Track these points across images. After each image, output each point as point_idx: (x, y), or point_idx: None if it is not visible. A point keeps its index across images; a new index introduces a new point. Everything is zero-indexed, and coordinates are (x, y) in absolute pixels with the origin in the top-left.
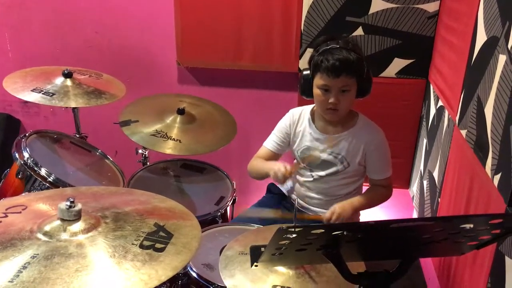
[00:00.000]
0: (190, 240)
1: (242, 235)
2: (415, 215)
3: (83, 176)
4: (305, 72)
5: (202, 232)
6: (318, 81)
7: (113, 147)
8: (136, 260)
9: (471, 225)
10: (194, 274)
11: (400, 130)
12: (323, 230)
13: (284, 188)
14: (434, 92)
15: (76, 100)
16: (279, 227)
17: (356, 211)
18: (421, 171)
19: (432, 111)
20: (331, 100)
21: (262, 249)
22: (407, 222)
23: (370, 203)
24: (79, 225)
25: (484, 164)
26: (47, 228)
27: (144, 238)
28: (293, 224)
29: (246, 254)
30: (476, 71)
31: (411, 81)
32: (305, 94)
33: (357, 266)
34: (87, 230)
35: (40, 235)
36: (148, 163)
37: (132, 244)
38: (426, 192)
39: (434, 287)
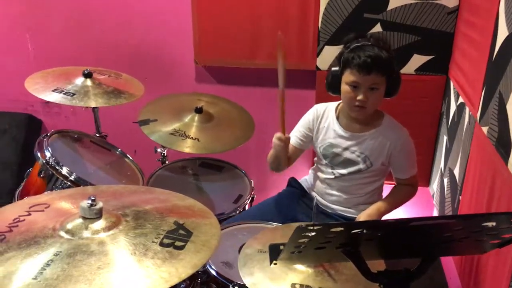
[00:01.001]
0: (209, 238)
1: (260, 233)
2: (435, 213)
3: (103, 175)
4: (333, 68)
5: (221, 230)
6: (347, 77)
7: (132, 146)
8: (157, 258)
9: (494, 223)
10: (213, 272)
11: (420, 127)
12: (342, 228)
13: (302, 182)
14: (454, 88)
15: (96, 100)
16: (298, 225)
17: (382, 216)
18: (441, 169)
19: (453, 107)
20: (359, 97)
21: (281, 247)
22: (427, 221)
23: (395, 206)
24: (100, 223)
25: (506, 162)
26: (69, 226)
27: (164, 236)
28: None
29: (265, 252)
30: (498, 66)
31: (431, 78)
32: (332, 90)
33: (377, 265)
34: (108, 228)
35: (62, 233)
36: (167, 162)
37: (153, 242)
38: (446, 190)
39: (456, 286)
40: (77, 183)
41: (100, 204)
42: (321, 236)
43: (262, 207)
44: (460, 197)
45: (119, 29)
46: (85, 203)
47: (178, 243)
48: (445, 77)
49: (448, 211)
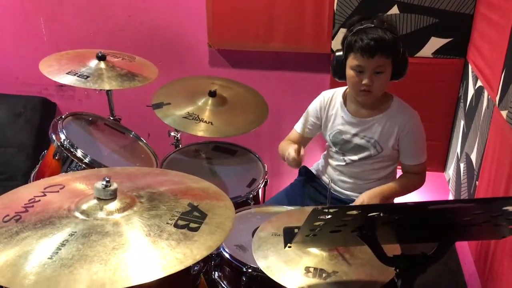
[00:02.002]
0: (224, 220)
1: (275, 216)
2: (451, 198)
3: (117, 158)
4: (337, 53)
5: (235, 213)
6: (351, 61)
7: (146, 129)
8: (171, 239)
9: None
10: (227, 255)
11: (436, 111)
12: (359, 211)
13: (314, 168)
14: (472, 72)
15: (110, 83)
16: (314, 208)
17: (386, 199)
18: (457, 154)
19: (471, 91)
20: (364, 81)
21: (296, 230)
22: (446, 204)
23: (401, 191)
24: (115, 204)
25: None
26: (84, 207)
27: (179, 217)
28: (328, 205)
29: (279, 235)
30: None
31: (449, 61)
32: (338, 76)
33: (392, 249)
34: (122, 209)
35: (77, 214)
36: (180, 146)
37: (167, 223)
38: (463, 175)
39: (470, 272)
40: (92, 165)
41: (114, 185)
42: (337, 219)
43: (274, 200)
44: (477, 182)
45: (133, 13)
46: (100, 184)
47: (192, 225)
48: (463, 60)
49: (464, 197)
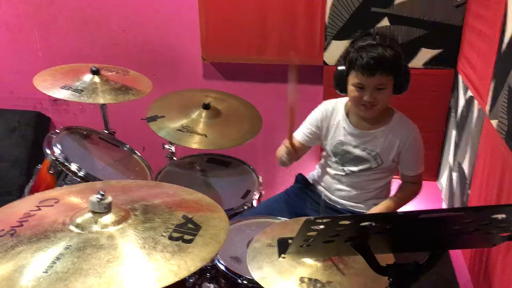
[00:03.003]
0: (218, 231)
1: (269, 227)
2: (444, 207)
3: (112, 171)
4: (339, 68)
5: (230, 225)
6: (352, 79)
7: (140, 142)
8: (166, 251)
9: (503, 215)
10: (222, 267)
11: (428, 121)
12: (351, 221)
13: (309, 178)
14: (463, 82)
15: (104, 97)
16: (307, 218)
17: None
18: (450, 163)
19: (461, 101)
20: (365, 98)
21: (290, 241)
22: (437, 213)
23: (402, 203)
24: (109, 217)
25: None
26: (79, 220)
27: (173, 230)
28: (321, 216)
29: (274, 246)
30: (507, 59)
31: (439, 72)
32: (339, 89)
33: (386, 258)
34: (117, 222)
35: (72, 227)
36: (175, 158)
37: (161, 235)
38: (455, 185)
39: (465, 280)
40: (86, 179)
41: (109, 199)
42: (330, 229)
43: (270, 204)
44: (469, 191)
45: (127, 27)
46: (95, 197)
47: (187, 237)
48: (454, 71)
49: (457, 206)
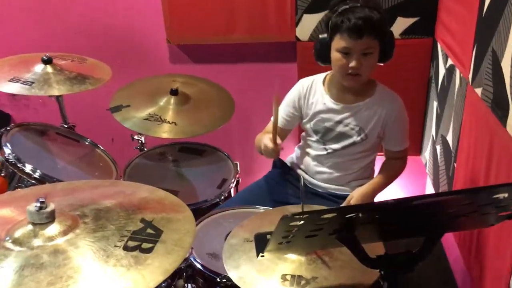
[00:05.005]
0: (182, 236)
1: (247, 220)
2: (429, 182)
3: (73, 169)
4: (321, 36)
5: (205, 218)
6: (337, 43)
7: (108, 135)
8: (120, 265)
9: (505, 195)
10: (199, 265)
11: (408, 94)
12: (335, 214)
13: (288, 161)
14: (442, 50)
15: (58, 88)
16: (283, 216)
17: (376, 194)
18: (433, 136)
19: (442, 71)
20: (352, 64)
21: (268, 236)
22: (432, 198)
23: (389, 182)
24: (53, 228)
25: (504, 123)
26: (17, 234)
27: (129, 238)
28: (299, 211)
29: (252, 241)
30: (489, 23)
31: (417, 41)
32: (321, 59)
33: (376, 248)
34: (63, 233)
35: (8, 244)
36: (145, 149)
37: (115, 246)
38: (440, 158)
39: (455, 256)
40: (43, 180)
41: (51, 206)
42: (312, 224)
43: (248, 192)
44: (455, 164)
45: (85, 12)
46: (33, 206)
47: (145, 245)
48: (432, 40)
49: (443, 179)
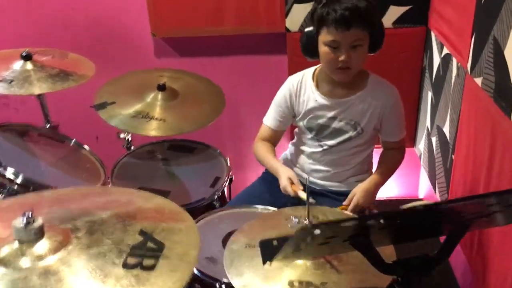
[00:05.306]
0: (187, 249)
1: (247, 224)
2: (423, 174)
3: (58, 172)
4: (307, 29)
5: (200, 220)
6: (325, 37)
7: (92, 133)
8: (119, 286)
9: None
10: (196, 271)
11: (401, 84)
12: (355, 223)
13: (282, 158)
14: (437, 39)
15: (40, 86)
16: (301, 228)
17: (378, 189)
18: (427, 127)
19: (436, 60)
20: (341, 58)
21: (274, 242)
22: (462, 201)
23: (390, 174)
24: (42, 246)
25: (509, 114)
26: (2, 253)
27: (129, 253)
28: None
29: (254, 247)
30: (489, 10)
31: (410, 30)
32: (309, 54)
33: (385, 251)
34: (53, 251)
35: None
36: (132, 148)
37: (113, 263)
38: (436, 150)
39: (455, 253)
40: (26, 185)
41: (39, 221)
42: (328, 232)
43: (243, 197)
44: (453, 156)
45: (66, 6)
46: (19, 221)
47: (147, 262)
48: (425, 28)
49: (440, 172)
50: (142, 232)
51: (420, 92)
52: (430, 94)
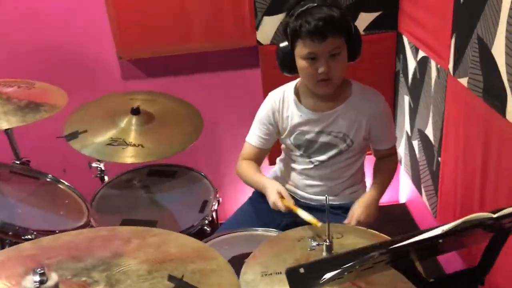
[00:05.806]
0: None
1: (257, 250)
2: (405, 178)
3: (36, 211)
4: (281, 45)
5: None
6: (301, 50)
7: (59, 166)
8: None
9: None
10: None
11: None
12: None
13: (270, 176)
14: (410, 43)
15: (8, 119)
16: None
17: (378, 201)
18: (407, 131)
19: (412, 64)
20: (321, 70)
21: (301, 270)
22: None
23: (388, 183)
24: None
25: (503, 112)
26: None
27: None
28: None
29: (270, 274)
30: (470, 9)
31: (381, 36)
32: (287, 70)
33: None
34: None
35: None
36: (106, 177)
37: None
38: (419, 153)
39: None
40: (4, 230)
41: (53, 278)
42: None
43: (236, 220)
44: (439, 158)
45: (27, 34)
46: (31, 281)
47: None
48: (395, 33)
49: (425, 175)
50: (171, 278)
51: (395, 97)
52: (407, 98)
